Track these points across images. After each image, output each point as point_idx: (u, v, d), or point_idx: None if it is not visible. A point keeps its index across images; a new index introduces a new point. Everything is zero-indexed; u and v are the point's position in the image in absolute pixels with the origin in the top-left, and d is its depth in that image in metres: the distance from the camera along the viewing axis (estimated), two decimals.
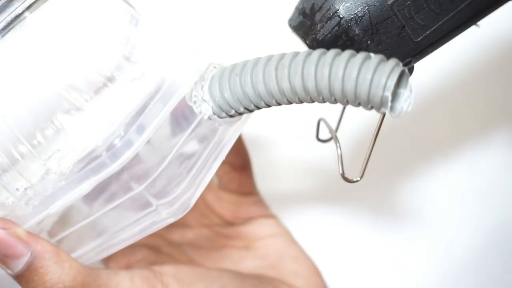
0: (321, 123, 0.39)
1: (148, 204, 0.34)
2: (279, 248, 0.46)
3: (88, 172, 0.33)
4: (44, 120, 0.33)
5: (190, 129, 0.34)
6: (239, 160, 0.45)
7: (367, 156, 0.34)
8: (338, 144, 0.36)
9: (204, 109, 0.34)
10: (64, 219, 0.37)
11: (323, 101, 0.32)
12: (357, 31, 0.33)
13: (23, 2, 0.33)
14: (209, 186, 0.37)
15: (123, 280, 0.37)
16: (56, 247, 0.35)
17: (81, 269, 0.35)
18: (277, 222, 0.48)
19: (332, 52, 0.31)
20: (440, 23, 0.33)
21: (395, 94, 0.30)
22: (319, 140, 0.40)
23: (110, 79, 0.33)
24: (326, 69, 0.30)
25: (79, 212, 0.36)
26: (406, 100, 0.31)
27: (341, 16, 0.33)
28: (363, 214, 0.57)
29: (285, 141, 0.56)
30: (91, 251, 0.37)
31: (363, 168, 0.35)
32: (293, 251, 0.47)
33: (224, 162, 0.36)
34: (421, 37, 0.33)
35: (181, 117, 0.34)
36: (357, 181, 0.35)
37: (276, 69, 0.32)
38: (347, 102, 0.31)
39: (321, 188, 0.44)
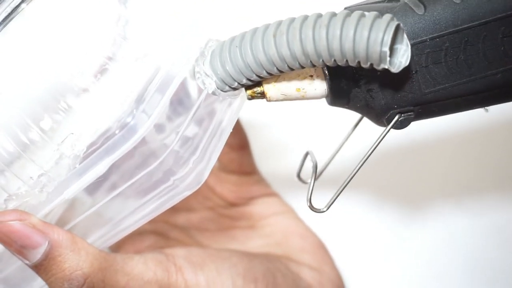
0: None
1: (164, 180, 0.34)
2: (283, 226, 0.47)
3: (103, 153, 0.33)
4: (53, 104, 0.33)
5: (191, 112, 0.34)
6: (237, 140, 0.45)
7: (338, 191, 0.35)
8: (314, 176, 0.36)
9: (208, 83, 0.34)
10: (72, 208, 0.37)
11: (324, 64, 0.32)
12: None
13: None
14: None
15: (138, 264, 0.37)
16: (72, 234, 0.35)
17: (97, 254, 0.36)
18: (280, 200, 0.48)
19: (328, 14, 0.31)
20: (452, 83, 0.33)
21: (392, 50, 0.30)
22: (299, 178, 0.41)
23: (112, 59, 0.34)
24: (323, 31, 0.31)
25: (87, 202, 0.37)
26: (404, 54, 0.31)
27: None
28: (362, 192, 0.57)
29: (282, 123, 0.55)
30: (105, 235, 0.38)
31: (331, 201, 0.35)
32: (298, 228, 0.47)
33: None
34: (429, 90, 0.34)
35: (180, 100, 0.35)
36: (322, 211, 0.35)
37: (274, 36, 0.32)
38: (347, 62, 0.31)
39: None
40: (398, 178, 0.58)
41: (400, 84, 0.33)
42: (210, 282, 0.39)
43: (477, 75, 0.33)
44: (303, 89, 0.34)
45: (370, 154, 0.35)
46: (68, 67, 0.33)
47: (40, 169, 0.33)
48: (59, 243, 0.34)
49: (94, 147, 0.33)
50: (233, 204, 0.47)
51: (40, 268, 0.35)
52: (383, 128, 0.35)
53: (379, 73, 0.33)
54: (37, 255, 0.34)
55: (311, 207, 0.35)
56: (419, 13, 0.32)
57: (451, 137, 0.57)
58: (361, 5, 0.34)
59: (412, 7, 0.33)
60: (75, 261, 0.35)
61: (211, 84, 0.34)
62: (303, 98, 0.35)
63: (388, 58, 0.30)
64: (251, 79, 0.33)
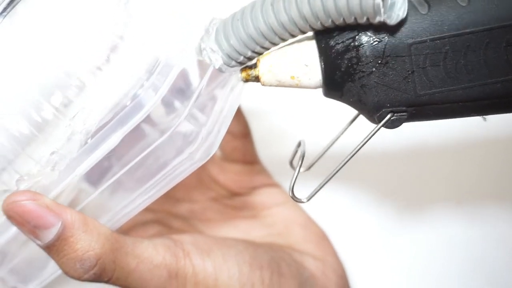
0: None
1: (179, 152, 0.34)
2: (286, 216, 0.47)
3: (115, 125, 0.33)
4: (65, 82, 0.33)
5: (201, 85, 0.34)
6: (239, 129, 0.45)
7: (322, 183, 0.35)
8: (299, 165, 0.36)
9: (214, 59, 0.34)
10: (81, 191, 0.38)
11: (322, 26, 0.32)
12: (367, 53, 0.32)
13: None
14: (212, 159, 0.37)
15: (147, 248, 0.37)
16: (84, 215, 0.35)
17: (109, 235, 0.36)
18: (282, 190, 0.48)
19: None
20: (449, 88, 0.33)
21: (387, 3, 0.30)
22: (291, 165, 0.40)
23: (122, 38, 0.34)
24: None
25: (104, 171, 0.36)
26: (401, 7, 0.31)
27: (360, 32, 0.32)
28: (362, 181, 0.57)
29: (280, 112, 0.56)
30: (118, 213, 0.37)
31: (313, 193, 0.35)
32: (300, 218, 0.47)
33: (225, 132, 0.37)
34: (425, 92, 0.33)
35: (187, 78, 0.35)
36: (303, 202, 0.35)
37: (272, 4, 0.32)
38: (344, 21, 0.31)
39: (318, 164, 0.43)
40: (401, 176, 0.58)
41: (395, 82, 0.32)
42: (217, 268, 0.39)
43: (476, 82, 0.32)
44: (297, 77, 0.34)
45: (357, 151, 0.34)
46: (80, 44, 0.33)
47: (52, 147, 0.33)
48: (72, 224, 0.34)
49: (106, 121, 0.33)
50: (235, 194, 0.47)
51: (52, 248, 0.35)
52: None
53: (374, 69, 0.32)
54: (50, 235, 0.34)
55: (293, 197, 0.35)
56: (422, 12, 0.32)
57: (454, 138, 0.57)
58: None
59: (416, 5, 0.32)
60: (87, 242, 0.35)
61: (217, 60, 0.34)
62: (297, 86, 0.34)
63: (382, 9, 0.30)
64: (255, 50, 0.34)
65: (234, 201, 0.47)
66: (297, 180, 0.35)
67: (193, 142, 0.34)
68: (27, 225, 0.34)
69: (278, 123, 0.56)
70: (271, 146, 0.50)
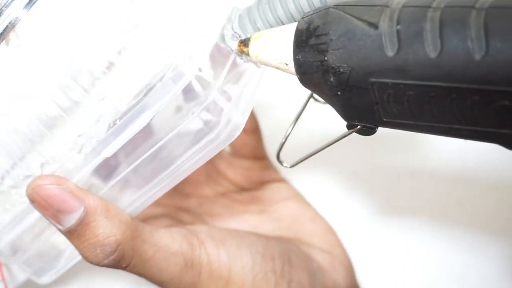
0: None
1: (205, 131, 0.34)
2: (294, 211, 0.47)
3: (143, 106, 0.32)
4: (92, 61, 0.33)
5: (227, 67, 0.34)
6: (249, 124, 0.44)
7: (311, 152, 0.36)
8: (292, 126, 0.37)
9: (236, 46, 0.34)
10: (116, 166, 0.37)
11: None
12: (332, 79, 0.31)
13: None
14: (220, 154, 0.38)
15: (164, 235, 0.38)
16: (106, 201, 0.36)
17: (129, 223, 0.36)
18: (289, 186, 0.48)
19: None
20: (413, 122, 0.31)
21: None
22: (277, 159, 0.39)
23: (148, 17, 0.33)
24: None
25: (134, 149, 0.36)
26: None
27: (327, 58, 0.31)
28: (371, 174, 0.56)
29: (288, 106, 0.52)
30: (149, 191, 0.38)
31: (299, 160, 0.37)
32: (307, 212, 0.47)
33: None
34: (389, 120, 0.32)
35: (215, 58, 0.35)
36: (286, 166, 0.37)
37: None
38: None
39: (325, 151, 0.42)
40: (401, 177, 0.56)
41: (360, 107, 0.32)
42: (231, 257, 0.39)
43: (441, 124, 0.30)
44: (280, 69, 0.34)
45: (326, 147, 0.35)
46: (106, 26, 0.33)
47: (79, 129, 0.33)
48: (94, 209, 0.35)
49: (135, 102, 0.33)
50: (244, 189, 0.47)
51: (74, 233, 0.35)
52: None
53: (339, 92, 0.32)
54: (72, 220, 0.35)
55: (278, 160, 0.38)
56: (390, 53, 0.29)
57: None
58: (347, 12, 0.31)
59: (386, 44, 0.29)
60: (108, 228, 0.35)
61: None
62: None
63: None
64: None
65: (243, 196, 0.47)
66: (299, 175, 0.36)
67: (213, 128, 0.34)
68: (50, 209, 0.34)
69: (286, 119, 0.53)
70: (278, 142, 0.49)
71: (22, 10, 0.33)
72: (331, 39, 0.31)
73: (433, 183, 0.57)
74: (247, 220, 0.47)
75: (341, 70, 0.31)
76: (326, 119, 0.43)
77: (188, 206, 0.48)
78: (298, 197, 0.48)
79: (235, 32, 0.34)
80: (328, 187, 0.57)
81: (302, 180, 0.51)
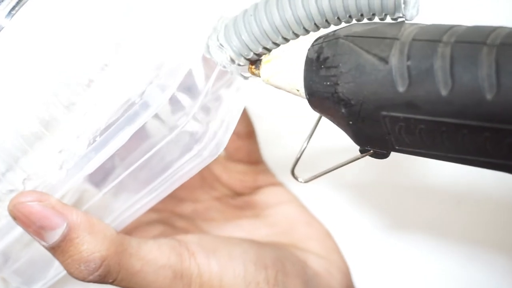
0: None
1: (188, 149, 0.34)
2: (289, 215, 0.47)
3: (123, 123, 0.32)
4: (74, 79, 0.33)
5: (210, 82, 0.34)
6: (244, 129, 0.44)
7: (326, 170, 0.36)
8: (307, 142, 0.37)
9: (222, 57, 0.34)
10: (84, 193, 0.37)
11: (339, 21, 0.32)
12: (343, 110, 0.31)
13: None
14: (216, 158, 0.36)
15: (152, 248, 0.37)
16: (90, 216, 0.35)
17: (114, 237, 0.35)
18: (285, 190, 0.48)
19: None
20: (426, 152, 0.31)
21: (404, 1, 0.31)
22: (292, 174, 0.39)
23: (130, 35, 0.33)
24: None
25: (112, 169, 0.36)
26: (414, 6, 0.31)
27: (337, 90, 0.31)
28: (367, 180, 0.56)
29: (284, 112, 0.55)
30: (126, 211, 0.38)
31: (314, 176, 0.37)
32: (303, 217, 0.47)
33: None
34: (402, 148, 0.32)
35: (188, 87, 0.34)
36: (300, 181, 0.37)
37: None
38: (362, 16, 0.32)
39: (324, 156, 0.44)
40: (400, 177, 0.55)
41: (372, 136, 0.32)
42: (222, 267, 0.38)
43: (454, 155, 0.30)
44: (292, 93, 0.34)
45: (337, 167, 0.35)
46: (87, 42, 0.33)
47: (60, 145, 0.33)
48: (77, 225, 0.34)
49: (115, 119, 0.32)
50: (239, 194, 0.47)
51: (57, 249, 0.35)
52: None
53: (351, 122, 0.32)
54: (55, 236, 0.34)
55: (292, 174, 0.38)
56: (401, 89, 0.29)
57: None
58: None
59: (396, 80, 0.29)
60: (92, 244, 0.34)
61: (224, 58, 0.34)
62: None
63: (402, 5, 0.31)
64: (267, 47, 0.34)
65: (238, 201, 0.47)
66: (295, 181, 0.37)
67: (200, 140, 0.34)
68: (33, 226, 0.34)
69: (283, 123, 0.53)
70: (276, 146, 0.47)
71: (4, 19, 0.33)
72: (341, 72, 0.30)
73: (433, 192, 0.57)
74: (242, 225, 0.46)
75: (352, 102, 0.31)
76: (337, 132, 0.43)
77: (183, 210, 0.47)
78: (294, 201, 0.47)
79: (221, 44, 0.34)
80: (330, 196, 0.58)
81: (306, 192, 0.50)
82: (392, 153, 0.33)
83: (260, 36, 0.33)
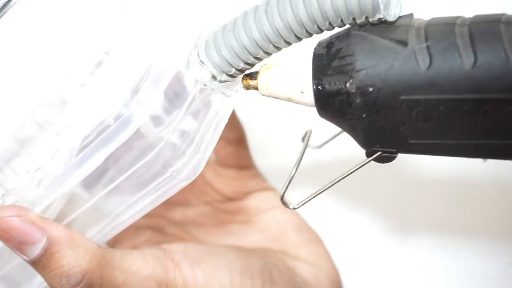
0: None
1: (162, 172, 0.34)
2: (280, 220, 0.46)
3: (98, 144, 0.32)
4: (48, 98, 0.33)
5: (186, 104, 0.34)
6: (233, 135, 0.45)
7: (314, 193, 0.35)
8: (297, 166, 0.36)
9: (202, 74, 0.34)
10: (73, 199, 0.37)
11: (319, 30, 0.31)
12: (358, 101, 0.31)
13: None
14: (207, 163, 0.36)
15: (136, 259, 0.37)
16: (71, 230, 0.35)
17: (96, 251, 0.36)
18: (276, 194, 0.47)
19: None
20: (441, 142, 0.31)
21: (384, 2, 0.30)
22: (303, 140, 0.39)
23: (108, 53, 0.33)
24: None
25: (85, 197, 0.36)
26: (396, 5, 0.31)
27: (353, 78, 0.31)
28: (360, 188, 0.56)
29: (278, 117, 0.55)
30: (104, 228, 0.38)
31: (304, 201, 0.35)
32: (294, 222, 0.46)
33: (219, 138, 0.36)
34: (416, 141, 0.31)
35: (175, 93, 0.34)
36: (293, 208, 0.35)
37: (266, 12, 0.32)
38: (342, 22, 0.31)
39: (317, 163, 0.45)
40: (399, 178, 0.57)
41: (385, 129, 0.31)
42: (208, 277, 0.39)
43: (470, 141, 0.31)
44: (293, 99, 0.33)
45: (342, 178, 0.34)
46: (64, 61, 0.33)
47: (37, 163, 0.33)
48: (58, 239, 0.34)
49: (90, 139, 0.32)
50: (230, 199, 0.47)
51: (39, 264, 0.35)
52: None
53: (364, 115, 0.31)
54: (36, 251, 0.34)
55: (283, 202, 0.36)
56: (422, 68, 0.29)
57: None
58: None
59: (418, 59, 0.29)
60: (73, 258, 0.35)
61: (205, 75, 0.33)
62: (293, 103, 0.34)
63: (381, 6, 0.30)
64: (248, 61, 0.33)
65: (228, 206, 0.47)
66: (294, 186, 0.35)
67: (179, 159, 0.34)
68: (13, 240, 0.34)
69: (277, 128, 0.55)
70: (269, 151, 0.48)
71: None
72: (356, 59, 0.30)
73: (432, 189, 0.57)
74: (232, 231, 0.46)
75: (369, 89, 0.30)
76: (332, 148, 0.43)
77: (173, 215, 0.47)
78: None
79: (201, 61, 0.33)
80: (322, 200, 0.55)
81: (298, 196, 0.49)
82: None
83: (240, 51, 0.32)
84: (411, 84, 0.30)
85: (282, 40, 0.32)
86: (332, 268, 0.45)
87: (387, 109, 0.30)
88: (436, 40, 0.29)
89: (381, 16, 0.30)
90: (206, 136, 0.35)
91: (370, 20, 0.31)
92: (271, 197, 0.47)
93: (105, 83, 0.33)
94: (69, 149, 0.33)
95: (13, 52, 0.33)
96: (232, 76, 0.34)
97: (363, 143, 0.32)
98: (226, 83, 0.34)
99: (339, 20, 0.31)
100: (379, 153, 0.32)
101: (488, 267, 0.55)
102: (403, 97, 0.30)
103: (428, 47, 0.29)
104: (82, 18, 0.33)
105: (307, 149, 0.37)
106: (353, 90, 0.31)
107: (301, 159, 0.36)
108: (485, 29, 0.29)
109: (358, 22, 0.31)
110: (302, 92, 0.32)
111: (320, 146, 0.41)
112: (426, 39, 0.30)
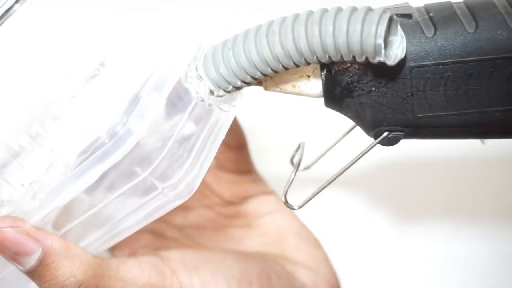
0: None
1: (153, 188, 0.34)
2: (279, 224, 0.46)
3: (93, 162, 0.32)
4: (43, 112, 0.34)
5: (188, 111, 0.34)
6: (234, 140, 0.45)
7: (315, 192, 0.35)
8: (296, 170, 0.36)
9: (200, 88, 0.34)
10: (68, 211, 0.37)
11: (318, 61, 0.31)
12: (368, 72, 0.32)
13: None
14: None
15: (132, 268, 0.37)
16: (66, 241, 0.35)
17: (91, 261, 0.36)
18: (277, 199, 0.47)
19: (320, 10, 0.31)
20: (447, 113, 0.32)
21: (387, 42, 0.30)
22: (291, 163, 0.39)
23: (103, 65, 0.34)
24: (316, 28, 0.30)
25: (83, 202, 0.36)
26: (399, 46, 0.31)
27: None
28: (358, 183, 0.57)
29: (279, 121, 0.56)
30: (98, 240, 0.37)
31: (306, 201, 0.35)
32: (293, 226, 0.46)
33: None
34: (423, 115, 0.33)
35: (178, 100, 0.34)
36: (294, 208, 0.35)
37: (267, 36, 0.32)
38: (342, 58, 0.31)
39: (317, 168, 0.43)
40: (398, 180, 0.57)
41: (393, 103, 0.32)
42: (205, 285, 0.39)
43: (475, 109, 0.32)
44: (298, 86, 0.34)
45: (351, 165, 0.34)
46: (59, 74, 0.33)
47: (32, 176, 0.33)
48: (53, 250, 0.34)
49: (85, 156, 0.32)
50: (230, 203, 0.47)
51: (34, 274, 0.35)
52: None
53: (373, 88, 0.32)
54: (31, 261, 0.34)
55: (285, 203, 0.35)
56: (428, 36, 0.31)
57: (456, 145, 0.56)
58: None
59: (423, 27, 0.32)
60: (68, 268, 0.35)
61: (203, 89, 0.33)
62: (298, 94, 0.34)
63: (383, 51, 0.30)
64: (246, 81, 0.33)
65: (228, 210, 0.47)
66: (294, 187, 0.35)
67: (170, 181, 0.34)
68: (8, 251, 0.34)
69: (278, 131, 0.56)
70: (270, 154, 0.49)
71: None
72: None
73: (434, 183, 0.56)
74: (232, 235, 0.46)
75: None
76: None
77: (173, 219, 0.46)
78: (284, 210, 0.46)
79: (199, 76, 0.33)
80: (323, 202, 0.52)
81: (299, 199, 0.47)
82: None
83: (238, 70, 0.33)
84: (418, 51, 0.31)
85: (281, 65, 0.32)
86: (331, 273, 0.45)
87: (396, 80, 0.32)
88: (437, 12, 0.32)
89: (381, 60, 0.30)
90: (202, 153, 0.35)
91: (370, 61, 0.31)
92: (271, 201, 0.47)
93: (101, 95, 0.33)
94: (63, 165, 0.33)
95: (6, 61, 0.34)
96: (229, 92, 0.34)
97: (371, 122, 0.33)
98: (224, 97, 0.34)
99: (339, 56, 0.31)
100: (385, 133, 0.33)
101: (489, 254, 0.55)
102: (412, 64, 0.31)
103: (431, 18, 0.32)
104: (78, 30, 0.34)
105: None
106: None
107: (295, 173, 0.36)
108: (479, 1, 0.32)
109: (357, 61, 0.31)
110: (308, 76, 0.33)
111: (309, 167, 0.41)
112: (428, 13, 0.32)
